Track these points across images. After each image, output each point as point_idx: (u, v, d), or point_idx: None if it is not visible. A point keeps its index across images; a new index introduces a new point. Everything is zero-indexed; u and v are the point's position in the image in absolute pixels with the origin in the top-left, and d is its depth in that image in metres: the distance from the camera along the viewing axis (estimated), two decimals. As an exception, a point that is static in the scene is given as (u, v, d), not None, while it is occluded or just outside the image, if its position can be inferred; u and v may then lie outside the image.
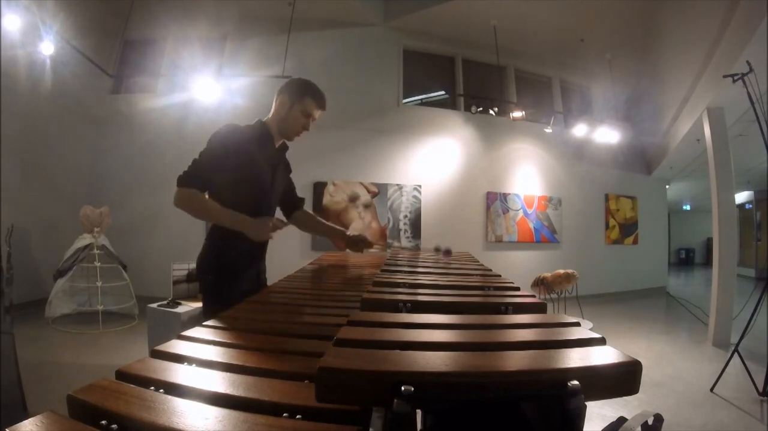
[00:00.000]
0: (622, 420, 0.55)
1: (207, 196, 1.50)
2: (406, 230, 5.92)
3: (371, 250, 1.94)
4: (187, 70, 5.19)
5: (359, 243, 1.92)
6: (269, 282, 1.65)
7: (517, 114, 5.99)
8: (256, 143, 1.55)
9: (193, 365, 0.65)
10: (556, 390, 0.47)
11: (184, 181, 1.42)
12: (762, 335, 3.23)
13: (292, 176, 1.86)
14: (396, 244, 5.86)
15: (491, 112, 6.14)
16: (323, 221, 2.00)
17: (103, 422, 0.47)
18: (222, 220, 1.44)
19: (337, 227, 1.98)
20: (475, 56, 6.66)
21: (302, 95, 1.57)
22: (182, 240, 4.28)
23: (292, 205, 1.90)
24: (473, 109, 6.03)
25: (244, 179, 1.50)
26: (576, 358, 0.53)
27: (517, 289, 1.15)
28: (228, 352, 0.71)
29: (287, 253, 5.30)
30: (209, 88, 4.92)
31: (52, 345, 3.59)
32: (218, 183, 1.46)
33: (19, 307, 4.00)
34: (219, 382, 0.57)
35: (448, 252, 2.18)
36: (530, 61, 6.91)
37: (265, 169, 1.59)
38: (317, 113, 1.62)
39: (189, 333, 0.83)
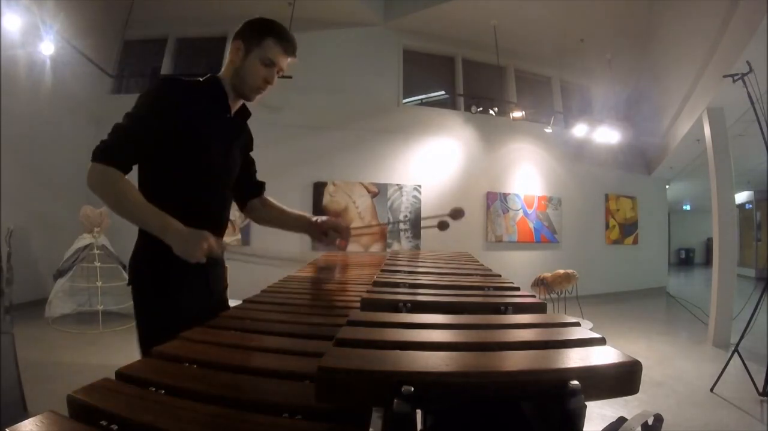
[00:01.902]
0: (622, 420, 0.55)
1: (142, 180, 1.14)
2: (406, 231, 5.92)
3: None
4: (188, 71, 5.19)
5: (340, 232, 1.44)
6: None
7: (517, 114, 5.99)
8: (207, 105, 1.16)
9: (194, 365, 0.65)
10: (556, 390, 0.47)
11: (101, 154, 1.03)
12: (762, 335, 3.22)
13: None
14: (396, 245, 5.86)
15: (491, 112, 6.14)
16: (290, 210, 1.49)
17: (103, 422, 0.47)
18: (144, 221, 1.04)
19: (309, 216, 1.48)
20: (475, 56, 6.66)
21: (261, 37, 1.16)
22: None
23: (248, 191, 1.43)
24: (473, 109, 6.03)
25: (188, 155, 1.12)
26: (576, 358, 0.53)
27: (517, 289, 1.15)
28: (228, 352, 0.71)
29: (285, 254, 5.30)
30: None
31: (52, 345, 3.59)
32: (151, 160, 1.09)
33: (19, 307, 3.99)
34: (219, 382, 0.57)
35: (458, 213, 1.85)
36: (530, 61, 6.91)
37: (217, 141, 1.18)
38: (284, 61, 1.19)
39: (189, 333, 0.83)
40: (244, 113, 1.29)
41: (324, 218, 1.44)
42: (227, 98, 1.21)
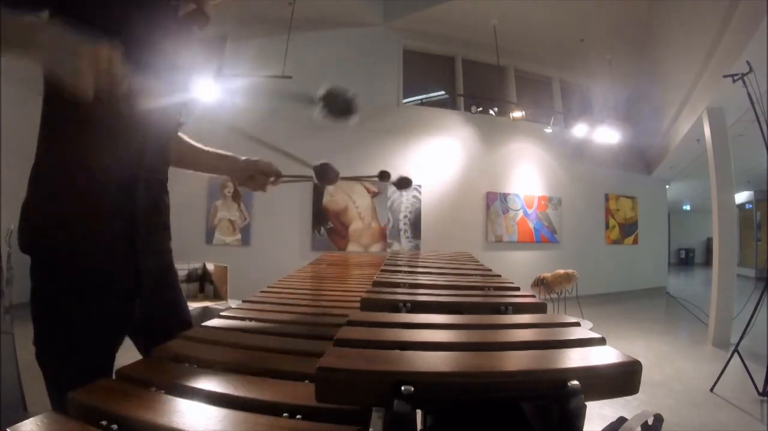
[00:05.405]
0: (622, 420, 0.55)
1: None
2: (406, 231, 5.92)
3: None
4: (187, 71, 5.19)
5: (269, 175, 1.24)
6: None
7: (517, 114, 5.99)
8: None
9: (194, 365, 0.65)
10: (556, 390, 0.47)
11: None
12: (762, 335, 3.22)
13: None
14: (396, 245, 5.86)
15: (491, 112, 6.14)
16: (210, 149, 1.18)
17: (104, 422, 0.47)
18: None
19: (236, 156, 1.21)
20: (475, 56, 6.66)
21: None
22: (181, 239, 4.27)
23: None
24: (473, 109, 6.03)
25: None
26: (576, 358, 0.53)
27: (517, 289, 1.15)
28: (228, 352, 0.71)
29: (285, 253, 5.30)
30: (209, 88, 4.91)
31: (52, 345, 3.58)
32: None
33: (19, 307, 3.99)
34: (219, 382, 0.57)
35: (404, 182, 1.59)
36: (530, 61, 6.91)
37: (158, 51, 0.79)
38: None
39: (189, 332, 0.83)
40: (199, 17, 0.85)
41: (255, 159, 1.22)
42: None
